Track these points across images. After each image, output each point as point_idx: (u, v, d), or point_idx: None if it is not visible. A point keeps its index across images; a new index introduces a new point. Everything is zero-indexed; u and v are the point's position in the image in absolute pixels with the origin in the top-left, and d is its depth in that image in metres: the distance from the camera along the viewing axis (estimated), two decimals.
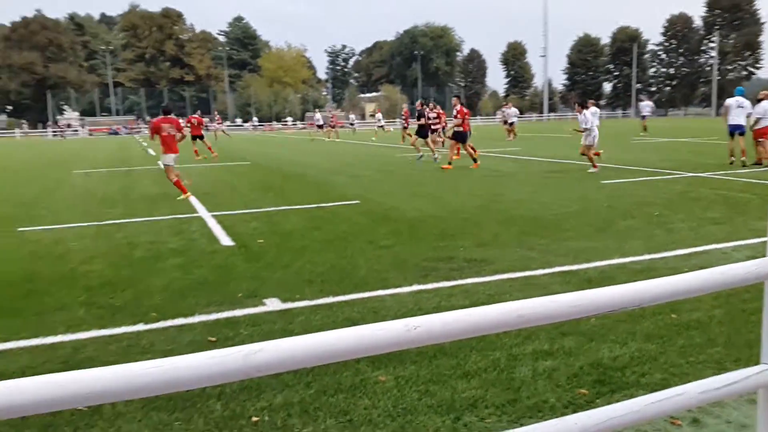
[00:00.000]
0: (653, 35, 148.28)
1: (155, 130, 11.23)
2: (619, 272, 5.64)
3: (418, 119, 18.57)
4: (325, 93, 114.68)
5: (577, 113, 14.54)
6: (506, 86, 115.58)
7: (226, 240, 7.40)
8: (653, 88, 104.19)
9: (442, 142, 23.54)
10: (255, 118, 78.95)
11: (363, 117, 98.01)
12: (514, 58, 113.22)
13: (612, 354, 3.77)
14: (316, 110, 46.65)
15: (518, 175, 13.60)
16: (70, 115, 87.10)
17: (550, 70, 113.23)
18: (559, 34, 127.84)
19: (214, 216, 9.13)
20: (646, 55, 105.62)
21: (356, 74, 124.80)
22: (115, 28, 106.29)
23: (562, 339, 3.96)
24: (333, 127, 36.41)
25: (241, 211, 9.62)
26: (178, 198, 10.89)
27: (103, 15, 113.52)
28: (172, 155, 11.07)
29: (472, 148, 17.55)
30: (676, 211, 8.48)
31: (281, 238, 7.46)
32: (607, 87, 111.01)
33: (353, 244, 6.91)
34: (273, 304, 4.83)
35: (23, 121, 69.08)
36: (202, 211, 9.62)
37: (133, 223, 8.71)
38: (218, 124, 41.04)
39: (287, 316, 4.55)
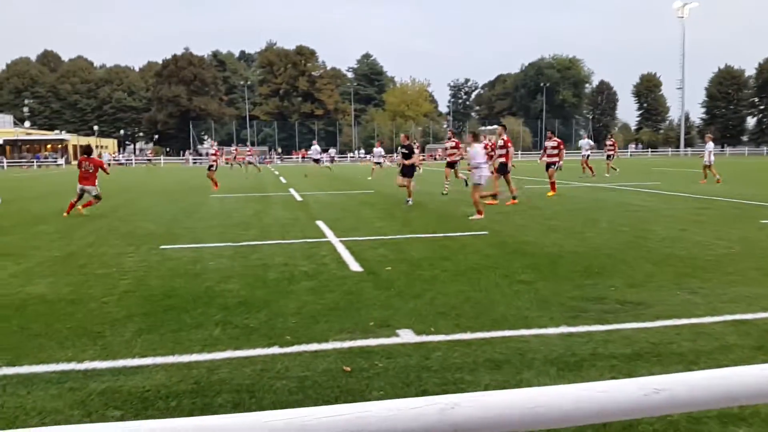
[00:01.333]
0: None
1: (78, 165, 13.56)
2: None
3: (406, 156, 14.85)
4: (445, 126, 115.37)
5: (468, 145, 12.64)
6: (638, 119, 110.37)
7: (354, 266, 7.24)
8: None
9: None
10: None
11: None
12: (648, 90, 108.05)
13: None
14: (314, 142, 36.37)
15: (662, 211, 12.50)
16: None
17: (686, 103, 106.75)
18: (697, 65, 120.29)
19: (342, 241, 9.07)
20: None
21: (478, 107, 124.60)
22: (253, 64, 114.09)
23: None
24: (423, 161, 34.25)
25: (367, 237, 9.51)
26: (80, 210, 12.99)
27: (242, 53, 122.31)
28: (85, 186, 13.17)
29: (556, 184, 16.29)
30: None
31: (409, 266, 7.18)
32: (751, 121, 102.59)
33: (487, 277, 6.48)
34: (407, 336, 4.52)
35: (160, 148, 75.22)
36: (330, 236, 9.61)
37: (266, 245, 8.84)
38: (249, 155, 38.18)
39: (422, 350, 4.21)
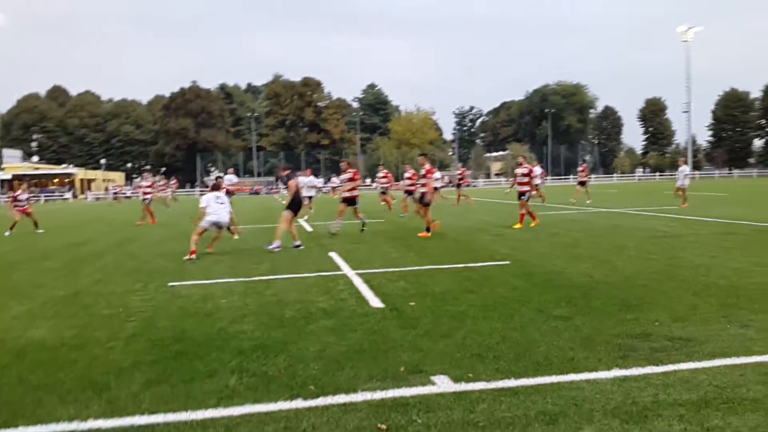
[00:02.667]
0: None
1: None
2: None
3: (288, 187, 12.79)
4: (451, 153, 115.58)
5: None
6: (644, 143, 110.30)
7: (375, 301, 6.83)
8: None
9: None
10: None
11: (488, 176, 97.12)
12: (653, 114, 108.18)
13: None
14: (230, 170, 32.62)
15: (687, 237, 12.05)
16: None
17: (693, 126, 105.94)
18: (702, 88, 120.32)
19: (358, 274, 8.66)
20: None
21: (482, 134, 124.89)
22: (260, 96, 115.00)
23: None
24: (459, 186, 28.51)
25: (384, 269, 9.10)
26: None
27: (249, 85, 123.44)
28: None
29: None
30: None
31: (434, 301, 6.76)
32: (758, 143, 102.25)
33: (519, 313, 6.04)
34: (443, 384, 4.08)
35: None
36: (346, 269, 9.21)
37: (280, 280, 8.44)
38: (171, 187, 34.24)
39: (464, 401, 3.77)
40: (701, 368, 4.28)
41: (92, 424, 3.56)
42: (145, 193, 21.79)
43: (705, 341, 4.92)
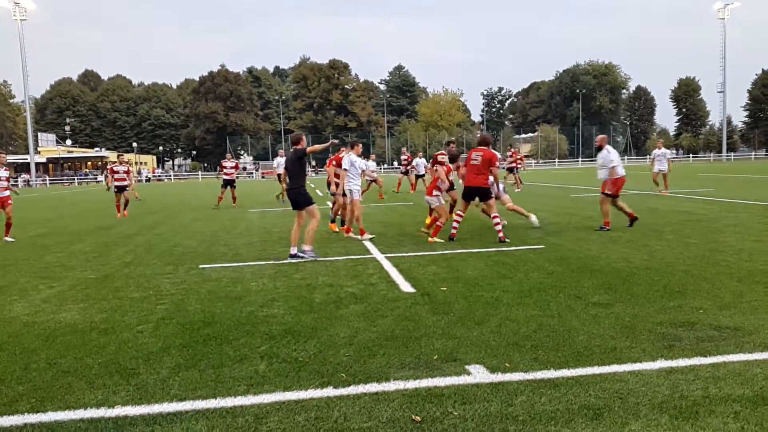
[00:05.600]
0: None
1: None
2: None
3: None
4: (478, 135, 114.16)
5: None
6: (677, 124, 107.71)
7: (405, 286, 6.68)
8: None
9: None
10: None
11: None
12: (686, 94, 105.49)
13: None
14: (281, 151, 24.46)
15: (726, 220, 11.63)
16: (246, 160, 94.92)
17: (728, 107, 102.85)
18: (739, 68, 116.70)
19: (388, 258, 8.53)
20: None
21: (511, 115, 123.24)
22: (288, 79, 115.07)
23: None
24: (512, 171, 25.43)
25: (414, 253, 8.94)
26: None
27: (276, 68, 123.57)
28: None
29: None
30: None
31: (466, 286, 6.58)
32: None
33: (556, 299, 5.84)
34: (479, 374, 3.92)
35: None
36: (375, 252, 9.08)
37: (309, 263, 8.34)
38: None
39: (502, 393, 3.60)
40: (753, 360, 4.05)
41: (119, 411, 3.49)
42: (120, 180, 18.12)
43: (754, 331, 4.66)
